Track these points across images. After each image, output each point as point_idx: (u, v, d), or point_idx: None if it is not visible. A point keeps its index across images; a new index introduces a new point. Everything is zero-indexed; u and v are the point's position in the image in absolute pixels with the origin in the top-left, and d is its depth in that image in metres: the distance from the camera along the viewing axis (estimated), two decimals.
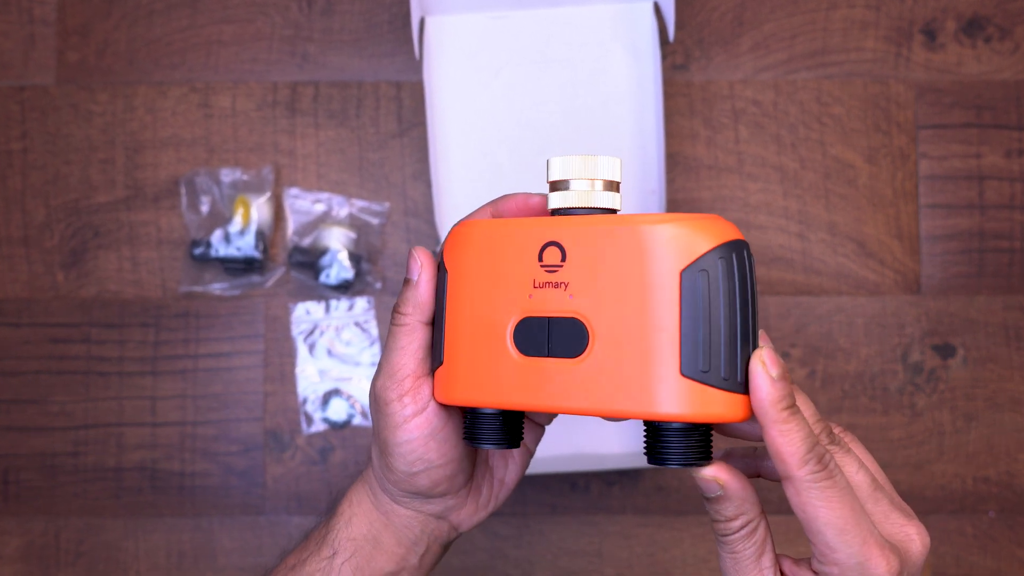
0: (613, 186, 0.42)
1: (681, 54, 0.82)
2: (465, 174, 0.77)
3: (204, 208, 0.79)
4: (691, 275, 0.39)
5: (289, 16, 0.82)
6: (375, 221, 0.80)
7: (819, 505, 0.38)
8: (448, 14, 0.78)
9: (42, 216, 0.80)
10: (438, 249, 0.47)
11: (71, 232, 0.80)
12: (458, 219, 0.71)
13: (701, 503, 0.78)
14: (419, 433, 0.45)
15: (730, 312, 0.39)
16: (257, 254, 0.78)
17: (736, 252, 0.39)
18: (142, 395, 0.79)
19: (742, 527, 0.40)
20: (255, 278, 0.79)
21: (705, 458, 0.40)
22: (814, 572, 0.40)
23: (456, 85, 0.78)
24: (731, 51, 0.82)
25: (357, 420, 0.79)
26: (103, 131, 0.81)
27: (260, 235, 0.78)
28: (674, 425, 0.40)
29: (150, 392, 0.79)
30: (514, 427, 0.44)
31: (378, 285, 0.79)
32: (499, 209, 0.45)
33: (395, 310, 0.45)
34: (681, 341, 0.39)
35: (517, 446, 0.45)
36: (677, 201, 0.80)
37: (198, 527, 0.78)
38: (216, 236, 0.78)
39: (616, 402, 0.39)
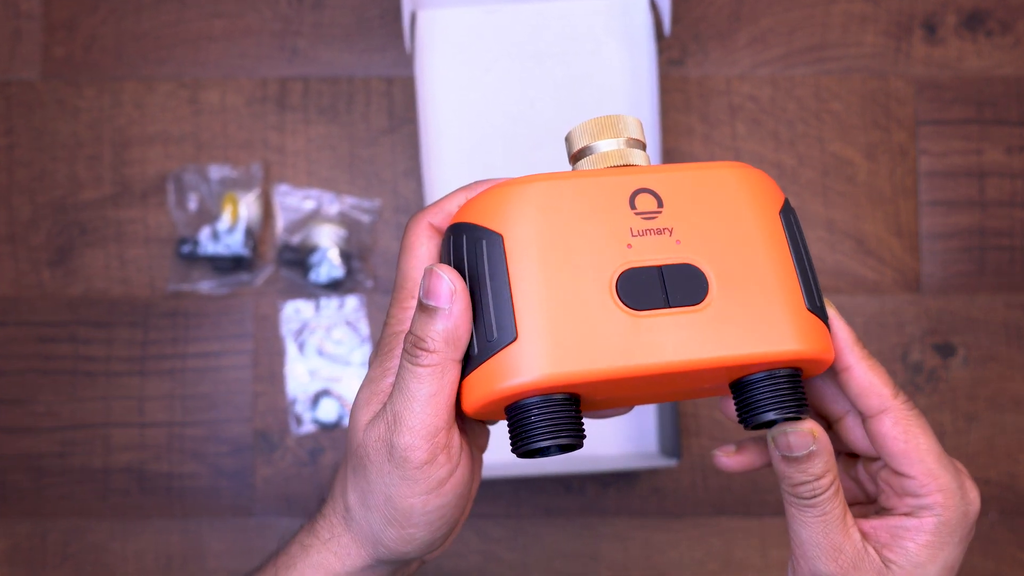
0: (640, 145, 0.40)
1: (677, 49, 0.81)
2: (457, 171, 0.76)
3: (192, 205, 0.78)
4: (785, 216, 0.39)
5: (279, 10, 0.81)
6: (366, 218, 0.79)
7: (919, 432, 0.39)
8: (440, 8, 0.77)
9: (28, 213, 0.79)
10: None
11: (57, 229, 0.79)
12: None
13: (698, 505, 0.77)
14: (454, 495, 0.38)
15: (810, 253, 0.40)
16: (246, 252, 0.77)
17: None
18: (130, 395, 0.78)
19: (831, 483, 0.39)
20: (244, 276, 0.78)
21: (805, 408, 0.38)
22: (904, 515, 0.40)
23: (448, 80, 0.77)
24: (728, 46, 0.81)
25: (347, 421, 0.78)
26: (90, 127, 0.80)
27: (249, 233, 0.77)
28: (775, 373, 0.38)
29: (138, 392, 0.78)
30: (578, 416, 0.38)
31: (369, 283, 0.78)
32: (477, 191, 0.40)
33: (415, 345, 0.36)
34: (799, 277, 0.38)
35: (582, 443, 0.38)
36: None
37: (187, 529, 0.77)
38: (204, 234, 0.77)
39: (747, 344, 0.36)
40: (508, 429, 0.38)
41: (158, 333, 0.78)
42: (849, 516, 0.40)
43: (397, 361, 0.39)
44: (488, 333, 0.36)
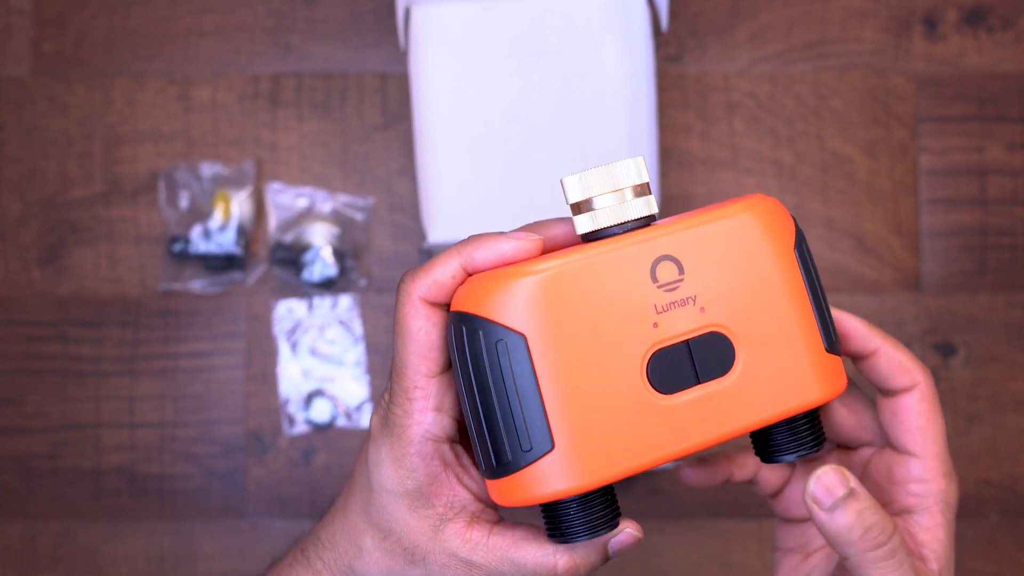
0: (645, 189, 0.37)
1: (675, 45, 0.80)
2: (452, 169, 0.75)
3: (183, 203, 0.77)
4: (799, 251, 0.38)
5: (271, 6, 0.80)
6: (360, 216, 0.78)
7: (938, 412, 0.40)
8: (434, 3, 0.76)
9: (17, 211, 0.78)
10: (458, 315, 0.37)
11: (47, 228, 0.78)
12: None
13: (695, 507, 0.76)
14: None
15: (822, 284, 0.39)
16: (238, 251, 0.76)
17: None
18: (120, 395, 0.77)
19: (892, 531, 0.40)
20: (236, 275, 0.77)
21: (822, 443, 0.39)
22: (908, 512, 0.40)
23: (443, 77, 0.76)
24: (726, 42, 0.80)
25: (341, 421, 0.77)
26: (80, 124, 0.79)
27: (241, 231, 0.77)
28: (796, 419, 0.38)
29: (128, 393, 0.77)
30: (614, 500, 0.38)
31: (363, 283, 0.77)
32: (474, 260, 0.37)
33: None
34: (817, 319, 0.37)
35: (618, 523, 0.38)
36: (671, 196, 0.78)
37: (178, 531, 0.76)
38: (196, 232, 0.76)
39: (775, 405, 0.37)
40: (543, 517, 0.38)
41: (149, 333, 0.77)
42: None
43: (417, 462, 0.38)
44: (522, 442, 0.35)
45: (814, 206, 0.78)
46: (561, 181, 0.38)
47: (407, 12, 0.74)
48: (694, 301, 0.36)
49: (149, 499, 0.77)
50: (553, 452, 0.35)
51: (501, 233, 0.37)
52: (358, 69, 0.79)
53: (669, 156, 0.78)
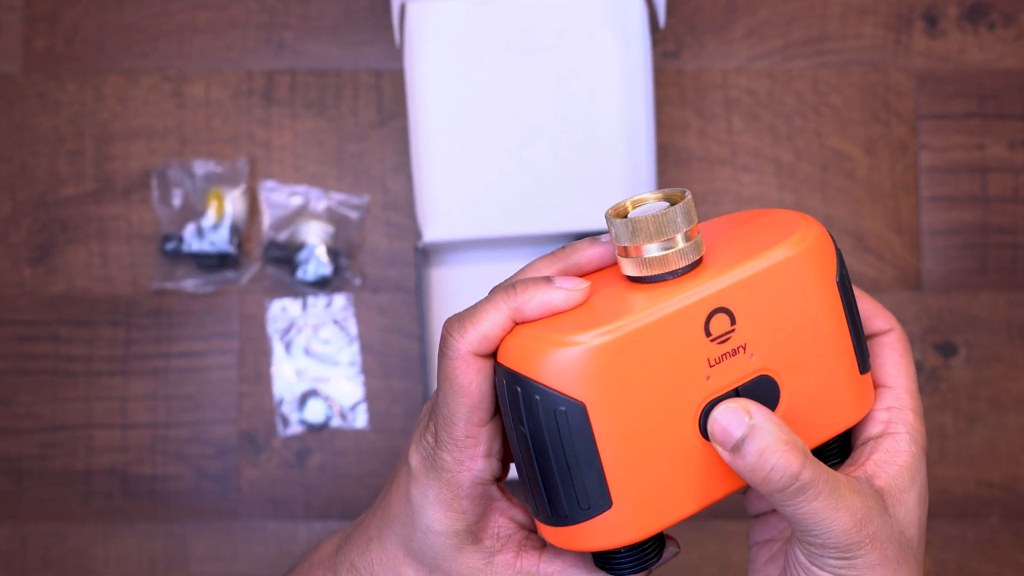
0: (694, 231, 0.36)
1: (672, 41, 0.79)
2: (447, 166, 0.75)
3: (176, 201, 0.77)
4: (841, 280, 0.38)
5: (265, 2, 0.79)
6: (354, 215, 0.77)
7: (911, 359, 0.42)
8: (430, 0, 0.76)
9: (8, 210, 0.77)
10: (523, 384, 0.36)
11: (38, 226, 0.77)
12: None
13: None
14: None
15: (858, 308, 0.39)
16: (231, 249, 0.75)
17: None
18: (112, 396, 0.76)
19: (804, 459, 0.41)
20: (229, 274, 0.77)
21: (847, 455, 0.40)
22: (871, 439, 0.40)
23: (438, 74, 0.76)
24: (724, 38, 0.79)
25: (335, 422, 0.76)
26: (72, 121, 0.78)
27: (234, 229, 0.76)
28: (828, 443, 0.40)
29: (120, 393, 0.76)
30: (661, 538, 0.39)
31: (357, 282, 0.77)
32: (524, 313, 0.36)
33: None
34: (853, 344, 0.38)
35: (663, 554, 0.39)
36: None
37: (170, 533, 0.76)
38: (189, 230, 0.76)
39: (815, 433, 0.37)
40: (592, 552, 0.38)
41: (141, 332, 0.77)
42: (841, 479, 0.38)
43: (467, 505, 0.39)
44: (580, 501, 0.36)
45: (813, 204, 0.78)
46: (607, 218, 0.37)
47: (402, 8, 0.73)
48: (744, 349, 0.36)
49: (141, 500, 0.76)
50: (611, 510, 0.35)
51: (547, 280, 0.37)
52: (353, 66, 0.79)
53: (667, 154, 0.78)
